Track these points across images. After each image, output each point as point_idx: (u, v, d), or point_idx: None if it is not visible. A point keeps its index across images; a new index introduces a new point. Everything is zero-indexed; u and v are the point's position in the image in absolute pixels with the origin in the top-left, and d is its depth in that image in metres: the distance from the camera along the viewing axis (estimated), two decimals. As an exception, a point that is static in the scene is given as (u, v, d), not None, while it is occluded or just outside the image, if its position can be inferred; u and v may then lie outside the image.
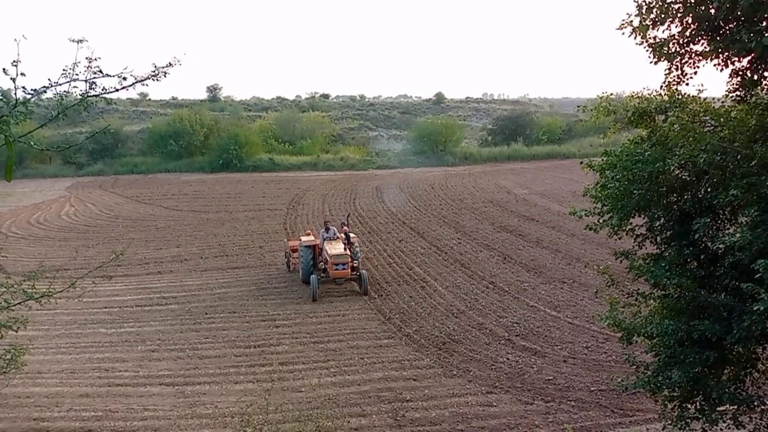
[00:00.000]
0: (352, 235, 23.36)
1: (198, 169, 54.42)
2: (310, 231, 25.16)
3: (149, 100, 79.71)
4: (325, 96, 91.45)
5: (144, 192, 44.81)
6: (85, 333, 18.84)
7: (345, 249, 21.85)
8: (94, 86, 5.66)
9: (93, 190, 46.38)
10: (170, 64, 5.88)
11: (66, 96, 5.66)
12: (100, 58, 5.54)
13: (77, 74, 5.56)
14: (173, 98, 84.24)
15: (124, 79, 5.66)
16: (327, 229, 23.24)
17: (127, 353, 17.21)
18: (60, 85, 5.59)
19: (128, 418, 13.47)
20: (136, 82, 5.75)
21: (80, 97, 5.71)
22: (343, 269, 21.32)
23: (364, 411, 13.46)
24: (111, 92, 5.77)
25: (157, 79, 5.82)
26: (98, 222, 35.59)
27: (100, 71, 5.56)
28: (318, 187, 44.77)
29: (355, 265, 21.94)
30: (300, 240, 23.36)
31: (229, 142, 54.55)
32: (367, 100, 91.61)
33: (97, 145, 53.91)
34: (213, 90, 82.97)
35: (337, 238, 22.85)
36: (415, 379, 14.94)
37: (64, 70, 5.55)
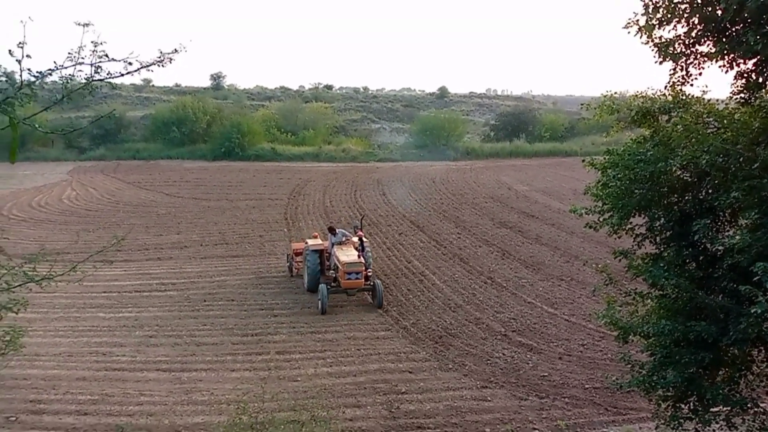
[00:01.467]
0: (365, 239, 21.28)
1: (200, 156, 54.31)
2: (317, 234, 23.00)
3: (153, 86, 79.42)
4: (329, 87, 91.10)
5: (145, 178, 44.79)
6: (83, 317, 18.90)
7: (359, 256, 19.60)
8: (99, 70, 5.63)
9: (94, 175, 46.35)
10: (176, 51, 5.85)
11: (71, 80, 5.63)
12: (105, 42, 5.51)
13: (82, 58, 5.54)
14: (177, 85, 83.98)
15: (130, 64, 5.64)
16: (334, 234, 20.92)
17: (124, 338, 17.27)
18: (65, 68, 5.57)
19: (124, 403, 13.53)
20: (141, 68, 5.73)
21: (85, 80, 5.69)
22: (357, 279, 19.05)
23: (359, 402, 13.52)
24: (116, 77, 5.75)
25: (163, 65, 5.79)
26: (99, 207, 35.61)
27: (106, 55, 5.53)
28: (319, 178, 44.76)
29: (369, 273, 19.94)
30: (306, 243, 21.11)
31: (231, 130, 54.43)
32: (370, 92, 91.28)
33: (99, 130, 53.81)
34: (217, 78, 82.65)
35: (348, 241, 20.64)
36: (410, 372, 15.00)
37: (69, 53, 5.53)
